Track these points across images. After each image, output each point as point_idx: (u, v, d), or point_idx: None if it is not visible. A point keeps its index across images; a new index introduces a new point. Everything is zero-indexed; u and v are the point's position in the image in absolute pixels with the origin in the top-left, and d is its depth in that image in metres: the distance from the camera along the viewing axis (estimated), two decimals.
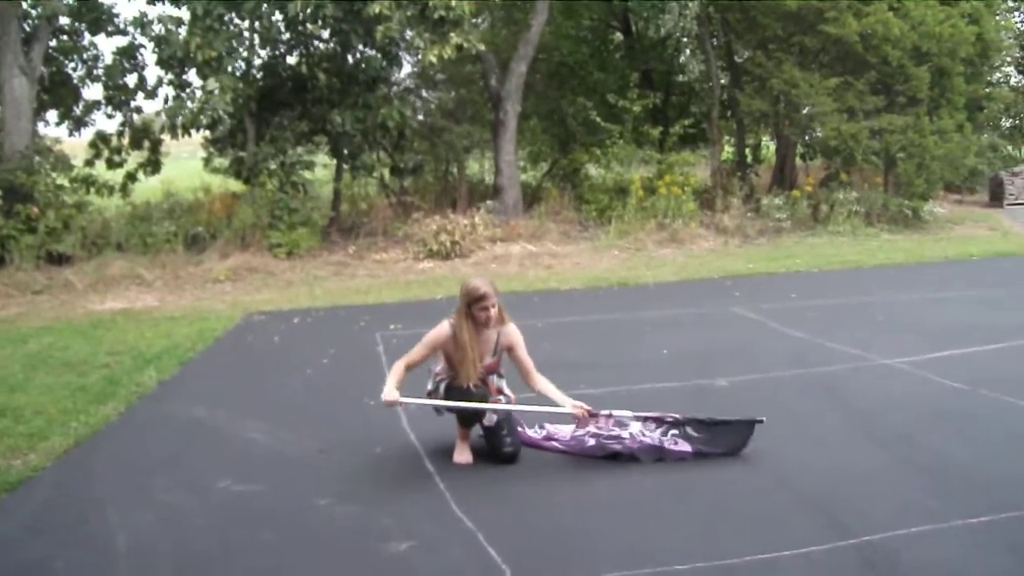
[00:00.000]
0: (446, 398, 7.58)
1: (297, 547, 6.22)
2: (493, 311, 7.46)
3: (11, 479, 7.57)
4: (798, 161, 28.20)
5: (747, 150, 29.21)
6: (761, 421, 7.53)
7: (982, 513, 6.23)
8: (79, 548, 6.32)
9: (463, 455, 7.65)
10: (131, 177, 23.58)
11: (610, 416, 7.63)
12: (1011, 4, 31.59)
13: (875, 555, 5.75)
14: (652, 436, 7.65)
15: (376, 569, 5.90)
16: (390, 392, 7.29)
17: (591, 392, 9.23)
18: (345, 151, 22.58)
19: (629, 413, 7.73)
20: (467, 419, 7.64)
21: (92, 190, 21.88)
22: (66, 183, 21.01)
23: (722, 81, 28.13)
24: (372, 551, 6.09)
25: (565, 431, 7.98)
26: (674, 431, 7.67)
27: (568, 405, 7.56)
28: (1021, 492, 6.60)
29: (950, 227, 24.19)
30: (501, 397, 7.67)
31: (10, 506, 7.11)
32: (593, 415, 7.55)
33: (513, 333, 7.77)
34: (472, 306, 7.44)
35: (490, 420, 7.53)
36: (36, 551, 6.29)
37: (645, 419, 7.72)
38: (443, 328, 7.59)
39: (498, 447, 7.59)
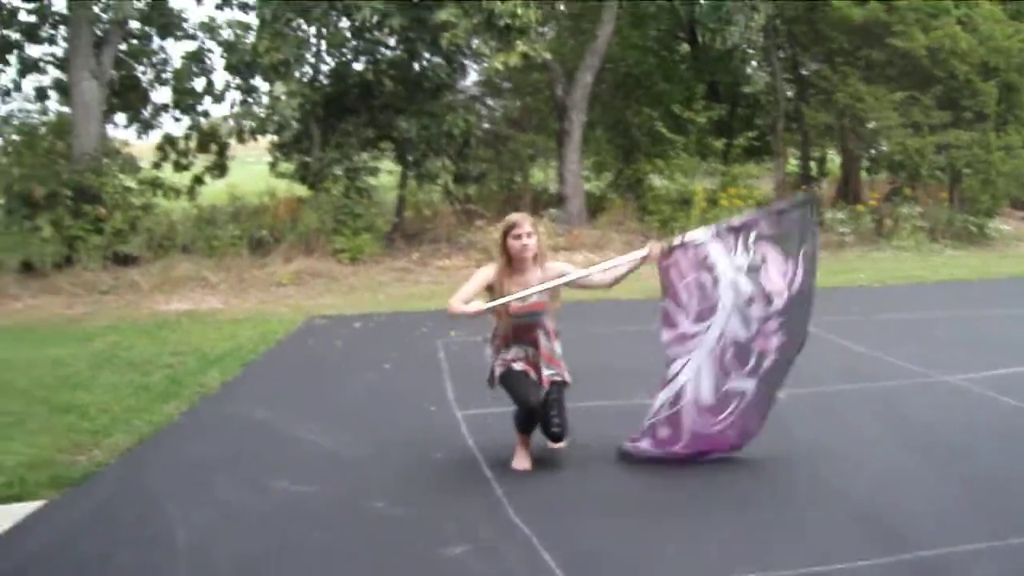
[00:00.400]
0: (502, 380, 7.64)
1: (354, 548, 6.32)
2: (529, 241, 7.46)
3: (76, 474, 7.73)
4: (863, 175, 28.13)
5: (812, 163, 29.17)
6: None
7: None
8: (140, 544, 6.45)
9: (522, 461, 7.71)
10: (198, 180, 23.83)
11: (683, 244, 7.62)
12: None
13: (928, 571, 5.78)
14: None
15: (432, 572, 5.99)
16: (457, 304, 7.33)
17: (649, 401, 9.28)
18: (410, 158, 22.63)
19: (702, 233, 7.67)
20: (525, 424, 7.68)
21: (159, 192, 22.05)
22: (134, 185, 21.17)
23: (788, 94, 28.09)
24: (428, 554, 6.17)
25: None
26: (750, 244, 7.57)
27: (638, 256, 7.60)
28: None
29: (1016, 244, 24.05)
30: (549, 369, 7.64)
31: (75, 500, 7.25)
32: (668, 251, 7.61)
33: (558, 266, 7.79)
34: (507, 235, 7.50)
35: (537, 398, 7.53)
36: (98, 546, 6.43)
37: (720, 231, 7.63)
38: (488, 266, 7.72)
39: (546, 426, 7.62)
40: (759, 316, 7.53)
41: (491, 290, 7.57)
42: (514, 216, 7.64)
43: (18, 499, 7.28)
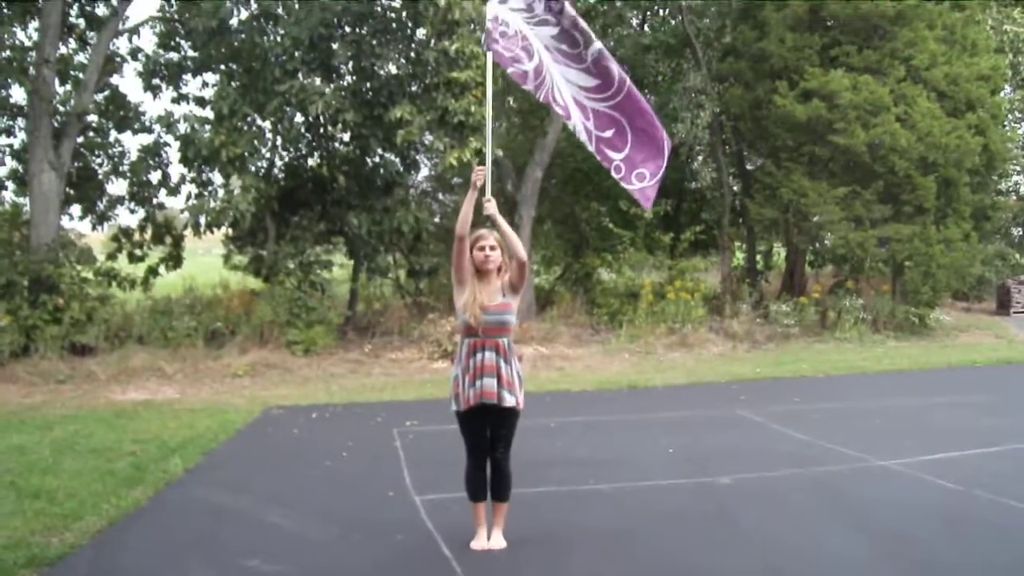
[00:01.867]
0: (459, 421, 8.05)
1: None
2: (492, 253, 7.87)
3: (51, 554, 7.95)
4: (808, 268, 28.60)
5: (758, 256, 29.66)
6: None
7: None
8: None
9: (479, 541, 8.03)
10: (152, 271, 23.88)
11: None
12: (1018, 115, 32.06)
13: None
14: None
15: None
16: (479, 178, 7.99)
17: (599, 487, 9.70)
18: (361, 253, 22.87)
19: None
20: (472, 484, 8.08)
21: (114, 284, 22.16)
22: (90, 276, 21.28)
23: (734, 188, 28.57)
24: None
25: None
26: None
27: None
28: None
29: (956, 334, 24.60)
30: (510, 394, 7.85)
31: None
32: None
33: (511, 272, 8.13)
34: (473, 247, 7.89)
35: (483, 460, 8.03)
36: None
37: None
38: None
39: (491, 452, 8.04)
40: None
41: (462, 287, 8.02)
42: (480, 231, 8.07)
43: None
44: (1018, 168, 33.62)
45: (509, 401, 7.80)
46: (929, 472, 10.41)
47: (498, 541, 8.08)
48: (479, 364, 7.80)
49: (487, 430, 7.96)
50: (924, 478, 10.21)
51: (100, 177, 24.38)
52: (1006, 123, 29.45)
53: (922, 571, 7.41)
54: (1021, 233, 35.10)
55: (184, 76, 23.69)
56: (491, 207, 7.84)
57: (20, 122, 23.08)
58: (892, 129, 22.78)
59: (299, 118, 21.69)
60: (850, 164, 23.96)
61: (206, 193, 22.36)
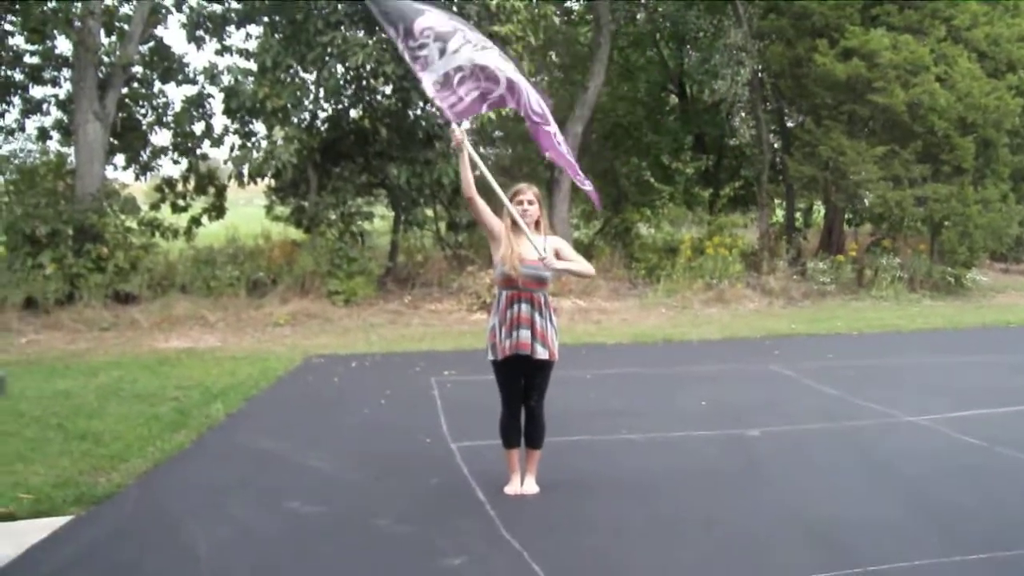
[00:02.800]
0: (495, 369, 8.21)
1: (360, 559, 6.83)
2: (530, 207, 8.04)
3: (98, 493, 8.21)
4: (846, 227, 28.61)
5: (797, 214, 29.66)
6: None
7: (981, 550, 6.80)
8: (165, 554, 6.95)
9: (513, 486, 8.26)
10: (195, 221, 24.13)
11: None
12: None
13: None
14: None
15: None
16: (460, 136, 7.95)
17: (631, 437, 9.93)
18: (402, 204, 23.05)
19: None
20: (506, 430, 8.30)
21: (158, 233, 22.40)
22: (134, 225, 21.52)
23: (774, 145, 28.57)
24: (428, 565, 6.70)
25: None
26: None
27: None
28: (1018, 534, 7.16)
29: (992, 295, 24.62)
30: (542, 346, 7.99)
31: (99, 516, 7.72)
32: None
33: (559, 240, 8.35)
34: (512, 200, 8.04)
35: (517, 408, 8.26)
36: (127, 554, 6.93)
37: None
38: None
39: (525, 400, 8.24)
40: None
41: (496, 242, 8.14)
42: (521, 184, 8.23)
43: (47, 514, 7.75)
44: None
45: (542, 354, 7.97)
46: (955, 428, 10.56)
47: (531, 487, 8.29)
48: (516, 315, 7.94)
49: (521, 380, 8.14)
50: (950, 434, 10.37)
51: (144, 128, 24.57)
52: None
53: (936, 517, 7.60)
54: None
55: (228, 28, 23.93)
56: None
57: (66, 73, 23.32)
58: (932, 89, 22.74)
59: (341, 70, 21.79)
60: (889, 123, 23.87)
61: (249, 144, 22.48)
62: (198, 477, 8.85)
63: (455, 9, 20.93)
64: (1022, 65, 24.66)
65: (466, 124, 26.93)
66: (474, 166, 8.06)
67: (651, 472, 8.93)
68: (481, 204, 8.08)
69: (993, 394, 12.42)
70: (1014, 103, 23.65)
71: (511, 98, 8.17)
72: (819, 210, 33.86)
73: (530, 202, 8.06)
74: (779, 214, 30.51)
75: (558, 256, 8.09)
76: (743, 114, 29.48)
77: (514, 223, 8.03)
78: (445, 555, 6.81)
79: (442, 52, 7.96)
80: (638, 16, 29.66)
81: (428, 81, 7.94)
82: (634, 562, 6.76)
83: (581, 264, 8.24)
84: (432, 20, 8.01)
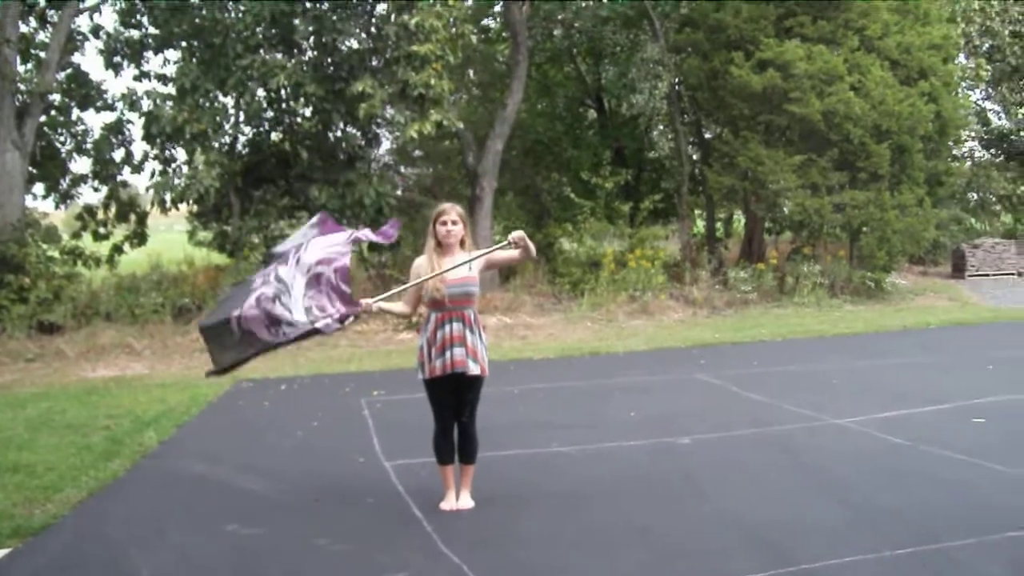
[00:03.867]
0: (426, 388, 8.28)
1: None
2: (454, 227, 8.17)
3: (34, 524, 8.17)
4: (766, 235, 28.89)
5: (718, 224, 29.94)
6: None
7: (909, 545, 6.95)
8: None
9: (448, 502, 8.31)
10: (117, 249, 24.00)
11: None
12: (970, 82, 32.40)
13: None
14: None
15: None
16: (368, 302, 8.02)
17: (562, 449, 10.06)
18: None
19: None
20: (440, 447, 8.35)
21: (80, 262, 22.27)
22: (56, 255, 21.40)
23: (693, 157, 28.82)
24: None
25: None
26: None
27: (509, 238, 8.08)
28: (944, 527, 7.33)
29: (912, 298, 24.99)
30: (473, 361, 8.08)
31: (38, 548, 7.69)
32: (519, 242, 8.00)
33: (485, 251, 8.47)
34: (435, 222, 8.21)
35: (450, 423, 8.33)
36: None
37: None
38: (419, 258, 8.42)
39: (458, 416, 8.32)
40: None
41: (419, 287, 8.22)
42: (443, 205, 8.38)
43: None
44: (972, 135, 34.02)
45: (474, 369, 8.06)
46: (880, 429, 10.73)
47: (466, 502, 8.34)
48: (447, 335, 8.04)
49: (453, 397, 8.24)
50: (874, 434, 10.53)
51: (63, 156, 24.55)
52: (959, 91, 29.75)
53: (865, 515, 7.73)
54: (976, 198, 35.46)
55: (146, 53, 23.84)
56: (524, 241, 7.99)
57: None
58: (846, 98, 23.06)
59: (261, 93, 21.81)
60: (806, 132, 24.16)
61: (170, 170, 22.43)
62: (135, 505, 8.82)
63: (373, 30, 21.12)
64: (933, 72, 25.06)
65: (386, 145, 27.06)
66: (396, 298, 8.38)
67: (584, 483, 9.01)
68: (412, 296, 8.32)
69: (916, 395, 12.62)
70: (927, 109, 24.02)
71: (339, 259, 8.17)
72: (739, 220, 34.24)
73: (454, 222, 8.18)
74: (700, 225, 30.78)
75: (488, 262, 8.40)
76: (662, 127, 29.72)
77: (438, 244, 8.16)
78: (385, 571, 6.87)
79: (287, 293, 7.99)
80: (555, 32, 29.85)
81: (315, 321, 7.99)
82: (571, 572, 6.85)
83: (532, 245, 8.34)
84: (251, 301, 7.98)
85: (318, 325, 7.81)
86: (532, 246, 8.10)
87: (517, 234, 7.95)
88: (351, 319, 8.02)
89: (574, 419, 11.97)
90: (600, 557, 7.10)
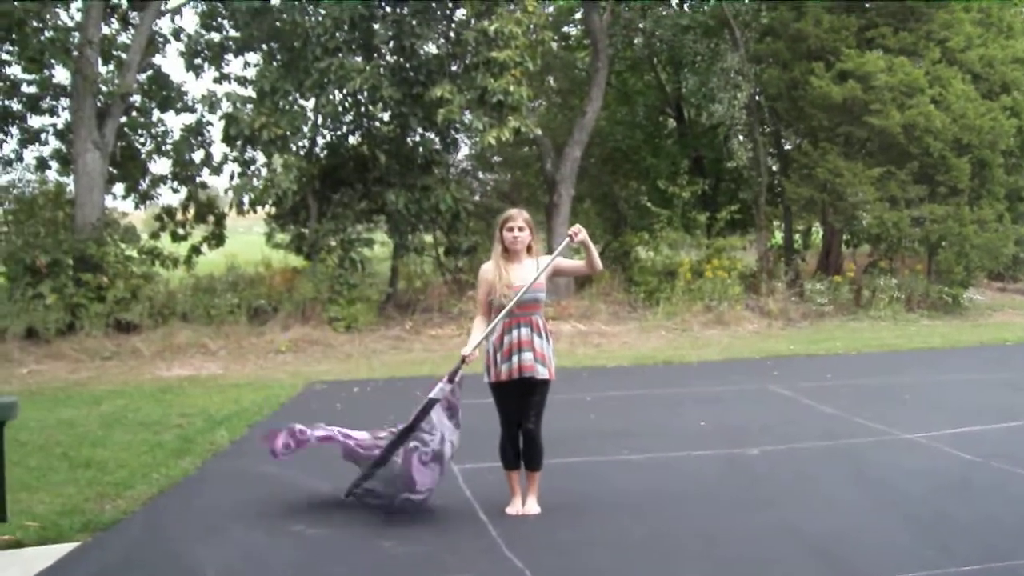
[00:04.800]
0: (493, 391, 8.34)
1: None
2: (520, 234, 8.18)
3: (105, 519, 8.28)
4: (844, 248, 28.69)
5: (796, 236, 29.74)
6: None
7: (975, 562, 6.89)
8: None
9: (514, 507, 8.35)
10: (195, 250, 24.17)
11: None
12: None
13: None
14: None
15: None
16: (465, 351, 8.09)
17: (631, 457, 10.04)
18: (402, 230, 22.99)
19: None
20: (506, 452, 8.44)
21: (157, 262, 22.43)
22: (134, 254, 21.58)
23: (772, 168, 28.66)
24: None
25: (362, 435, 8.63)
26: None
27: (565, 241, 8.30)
28: (1013, 544, 7.28)
29: (989, 314, 24.70)
30: (541, 365, 8.15)
31: (107, 543, 7.79)
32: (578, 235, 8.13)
33: (551, 256, 8.42)
34: (502, 228, 8.22)
35: (515, 427, 8.38)
36: None
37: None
38: (486, 263, 8.44)
39: (523, 422, 8.33)
40: None
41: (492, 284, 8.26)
42: (510, 211, 8.38)
43: (54, 542, 7.80)
44: None
45: (543, 373, 8.10)
46: (951, 445, 10.65)
47: (532, 507, 8.36)
48: (515, 340, 8.08)
49: (520, 401, 8.24)
50: (945, 450, 10.46)
51: (143, 156, 24.63)
52: None
53: (932, 531, 7.68)
54: None
55: (226, 56, 24.10)
56: (582, 234, 8.06)
57: (64, 102, 23.34)
58: (927, 111, 22.82)
59: (339, 96, 21.91)
60: (885, 145, 23.92)
61: (248, 172, 22.54)
62: (203, 503, 8.91)
63: (452, 36, 21.16)
64: (1016, 86, 24.79)
65: (464, 150, 27.09)
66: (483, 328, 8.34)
67: (651, 492, 9.00)
68: (484, 305, 8.42)
69: (989, 411, 12.50)
70: (1008, 124, 23.74)
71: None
72: (817, 232, 33.98)
73: (520, 228, 8.19)
74: (777, 236, 30.59)
75: (556, 269, 8.38)
76: (740, 137, 29.51)
77: (504, 249, 8.18)
78: (449, 573, 6.90)
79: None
80: (635, 41, 29.73)
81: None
82: None
83: (595, 252, 8.39)
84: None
85: (432, 395, 8.08)
86: (593, 248, 8.22)
87: (575, 228, 8.02)
88: (459, 374, 8.12)
89: (644, 428, 11.97)
90: (663, 565, 7.09)
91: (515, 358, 8.05)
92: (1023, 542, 7.35)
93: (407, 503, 7.99)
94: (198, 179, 24.82)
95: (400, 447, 8.02)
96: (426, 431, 8.00)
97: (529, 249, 8.29)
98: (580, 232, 8.02)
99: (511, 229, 8.17)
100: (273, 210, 23.18)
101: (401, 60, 21.71)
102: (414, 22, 21.05)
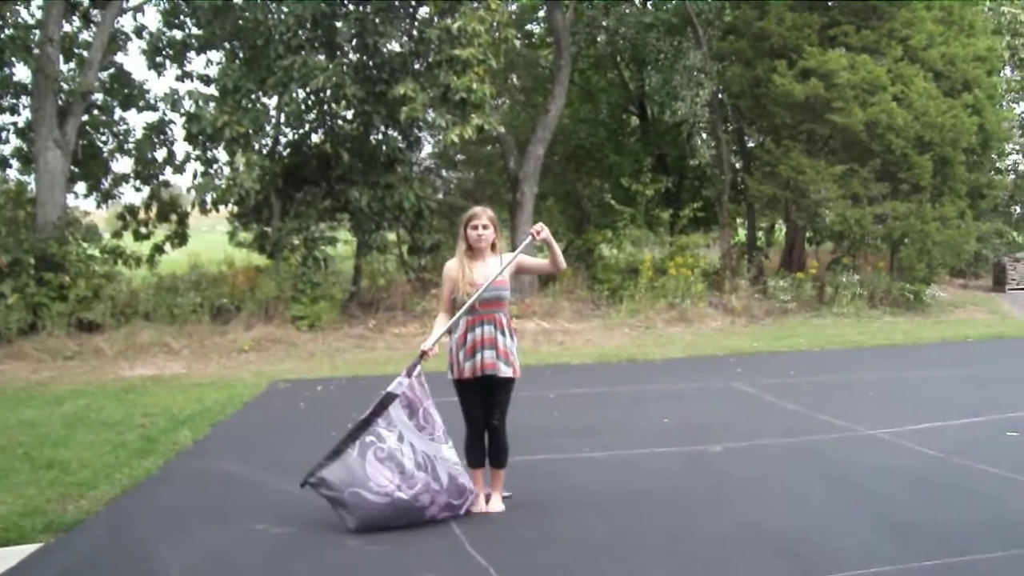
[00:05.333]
0: (457, 389, 8.36)
1: None
2: (485, 231, 8.22)
3: (67, 520, 8.23)
4: (807, 245, 28.79)
5: (759, 233, 29.85)
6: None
7: (936, 557, 6.94)
8: None
9: (478, 505, 8.32)
10: (158, 249, 24.09)
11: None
12: (1015, 94, 32.19)
13: None
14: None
15: None
16: (425, 345, 8.10)
17: (594, 455, 10.06)
18: (365, 229, 22.97)
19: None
20: (471, 449, 8.42)
21: (120, 261, 22.34)
22: (96, 253, 21.47)
23: (735, 165, 28.75)
24: None
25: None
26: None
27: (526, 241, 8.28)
28: (974, 541, 7.30)
29: (951, 310, 24.85)
30: (505, 364, 8.20)
31: (70, 544, 7.75)
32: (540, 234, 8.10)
33: (515, 254, 8.42)
34: (467, 226, 8.24)
35: (480, 425, 8.41)
36: None
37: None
38: (450, 260, 8.46)
39: (487, 420, 8.37)
40: None
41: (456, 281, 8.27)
42: (475, 209, 8.40)
43: (16, 543, 7.75)
44: (1016, 147, 33.77)
45: (506, 372, 8.13)
46: (913, 441, 10.71)
47: (496, 505, 8.37)
48: (478, 338, 8.12)
49: (484, 399, 8.27)
50: (907, 446, 10.51)
51: (105, 155, 24.57)
52: (1003, 103, 29.57)
53: (895, 528, 7.68)
54: (1018, 211, 35.19)
55: (188, 54, 23.95)
56: (544, 232, 8.06)
57: (25, 100, 23.24)
58: (889, 108, 22.94)
59: (302, 94, 21.88)
60: (848, 142, 24.04)
61: (211, 171, 22.48)
62: (167, 502, 8.86)
63: (415, 33, 21.15)
64: (977, 84, 24.96)
65: (427, 148, 27.09)
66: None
67: (614, 489, 9.00)
68: (448, 302, 8.44)
69: (951, 407, 12.57)
70: (969, 121, 23.91)
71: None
72: (780, 229, 34.11)
73: (484, 226, 8.22)
74: (741, 233, 30.70)
75: (519, 266, 8.40)
76: (704, 135, 29.62)
77: (468, 247, 8.22)
78: (413, 572, 6.89)
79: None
80: (599, 38, 29.80)
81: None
82: None
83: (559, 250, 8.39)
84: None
85: (389, 389, 8.02)
86: (556, 247, 8.22)
87: (537, 226, 8.03)
88: (417, 368, 8.08)
89: (608, 425, 12.00)
90: (627, 562, 7.10)
91: (478, 356, 8.08)
92: (983, 537, 7.38)
93: (355, 497, 7.92)
94: (160, 178, 24.72)
95: (356, 440, 7.98)
96: (383, 427, 7.97)
97: (493, 247, 8.31)
98: (542, 230, 8.02)
99: (475, 227, 8.19)
100: (236, 209, 23.09)
101: (364, 58, 21.69)
102: (377, 20, 21.01)
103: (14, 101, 23.56)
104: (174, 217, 24.65)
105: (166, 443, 11.22)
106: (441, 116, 20.36)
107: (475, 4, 20.42)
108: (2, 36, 20.70)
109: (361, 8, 21.13)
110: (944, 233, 23.92)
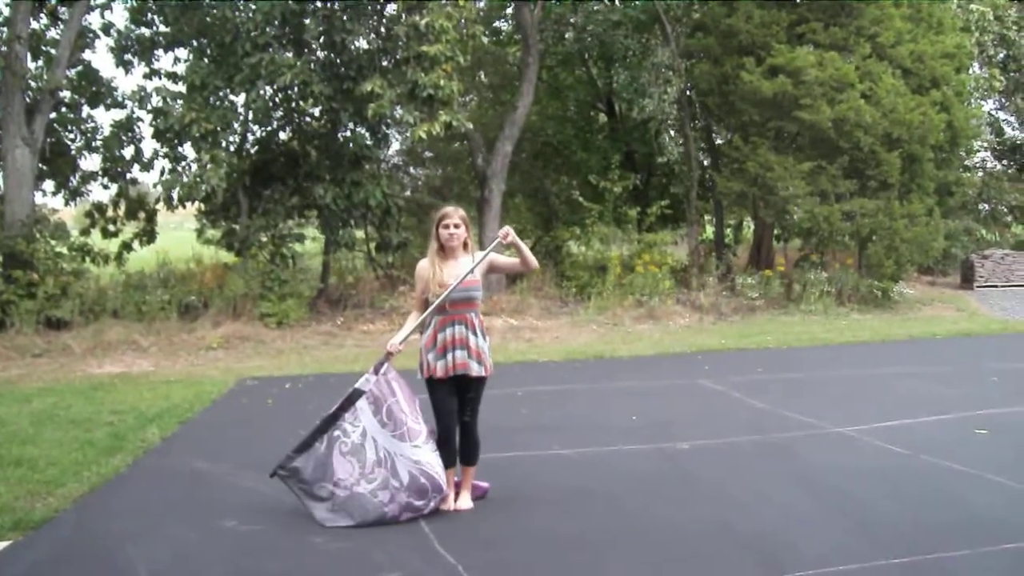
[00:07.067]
0: (429, 389, 8.35)
1: (300, 574, 6.92)
2: (456, 231, 8.25)
3: (35, 518, 8.21)
4: (775, 242, 28.86)
5: (728, 230, 29.92)
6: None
7: (903, 555, 6.97)
8: None
9: (447, 503, 8.30)
10: (126, 246, 23.98)
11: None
12: (984, 92, 32.29)
13: None
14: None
15: None
16: (391, 344, 8.19)
17: (563, 452, 10.09)
18: (333, 226, 22.99)
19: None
20: (442, 449, 8.31)
21: (88, 259, 22.25)
22: (64, 251, 21.42)
23: (703, 162, 28.83)
24: None
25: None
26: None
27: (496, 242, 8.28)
28: (940, 538, 7.35)
29: (919, 307, 24.93)
30: (477, 363, 8.25)
31: (38, 541, 7.74)
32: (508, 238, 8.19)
33: (487, 253, 8.47)
34: (438, 225, 8.30)
35: (452, 424, 8.39)
36: None
37: None
38: (422, 260, 8.50)
39: (459, 417, 8.40)
40: None
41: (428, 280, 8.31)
42: (446, 208, 8.45)
43: None
44: (984, 145, 33.94)
45: (478, 371, 8.18)
46: (880, 438, 10.75)
47: (465, 502, 8.39)
48: (449, 338, 8.15)
49: (455, 398, 8.29)
50: (875, 443, 10.55)
51: (73, 152, 24.41)
52: (971, 100, 29.68)
53: (862, 526, 7.71)
54: (986, 209, 35.34)
55: (156, 51, 23.81)
56: (511, 236, 8.14)
57: None
58: (857, 105, 23.01)
59: (269, 92, 21.86)
60: (816, 139, 24.11)
61: (179, 168, 22.41)
62: (135, 500, 8.86)
63: (383, 30, 21.15)
64: (945, 81, 25.07)
65: (395, 145, 27.07)
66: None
67: (583, 486, 9.02)
68: (420, 302, 8.50)
69: (918, 404, 12.61)
70: (938, 119, 23.99)
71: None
72: (748, 226, 34.21)
73: (456, 225, 8.25)
74: (709, 230, 30.78)
75: (491, 266, 8.48)
76: (671, 132, 29.64)
77: (440, 247, 8.25)
78: (381, 570, 6.89)
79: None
80: (566, 36, 29.82)
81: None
82: (566, 574, 6.88)
83: (528, 251, 8.42)
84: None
85: (356, 385, 8.13)
86: (525, 248, 8.27)
87: (504, 230, 8.12)
88: (385, 366, 8.16)
89: (575, 422, 12.02)
90: (595, 560, 7.12)
91: (450, 355, 8.11)
92: (950, 535, 7.43)
93: (323, 490, 7.94)
94: (128, 175, 24.58)
95: (324, 434, 8.01)
96: (349, 421, 8.02)
97: (465, 246, 8.35)
98: (509, 234, 8.08)
99: (447, 226, 8.23)
100: (203, 206, 23.07)
101: (331, 55, 21.72)
102: (344, 17, 21.02)
103: None
104: (142, 214, 24.54)
105: (134, 441, 11.21)
106: (409, 113, 20.37)
107: (443, 1, 20.42)
108: None
109: (329, 5, 21.18)
110: (912, 230, 24.00)
